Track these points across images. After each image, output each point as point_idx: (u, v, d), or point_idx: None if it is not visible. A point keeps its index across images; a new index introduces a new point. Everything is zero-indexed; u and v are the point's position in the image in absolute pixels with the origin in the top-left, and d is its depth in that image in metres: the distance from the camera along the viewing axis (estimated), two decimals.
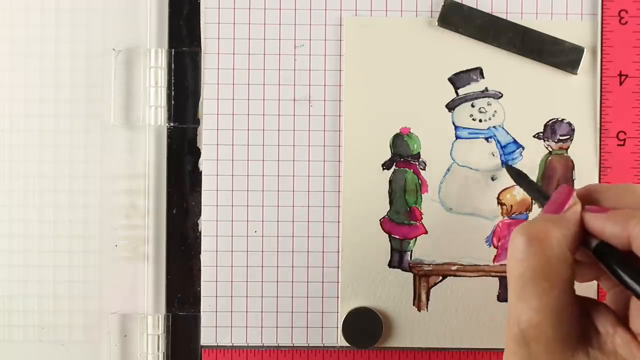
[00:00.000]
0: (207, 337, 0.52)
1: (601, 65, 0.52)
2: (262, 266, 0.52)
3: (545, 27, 0.52)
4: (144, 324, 0.52)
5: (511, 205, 0.52)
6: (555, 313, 0.36)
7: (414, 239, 0.52)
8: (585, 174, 0.52)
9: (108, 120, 0.52)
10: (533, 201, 0.52)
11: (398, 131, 0.52)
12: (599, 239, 0.37)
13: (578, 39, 0.52)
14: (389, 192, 0.52)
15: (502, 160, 0.52)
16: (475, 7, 0.52)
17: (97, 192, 0.52)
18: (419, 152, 0.52)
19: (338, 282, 0.52)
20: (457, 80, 0.52)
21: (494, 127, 0.52)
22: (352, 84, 0.52)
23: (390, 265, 0.52)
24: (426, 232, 0.52)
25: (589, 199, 0.39)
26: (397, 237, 0.52)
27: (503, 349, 0.52)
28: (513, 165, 0.52)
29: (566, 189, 0.40)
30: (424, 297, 0.52)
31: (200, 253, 0.52)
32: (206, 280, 0.52)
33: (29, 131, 0.52)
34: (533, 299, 0.36)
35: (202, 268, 0.52)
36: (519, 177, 0.48)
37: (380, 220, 0.52)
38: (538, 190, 0.46)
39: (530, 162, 0.52)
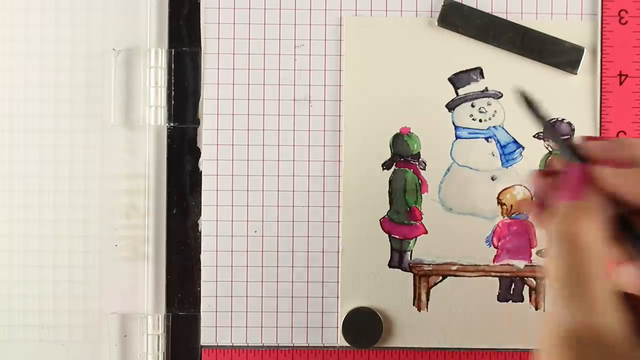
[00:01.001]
0: (207, 337, 0.52)
1: (601, 65, 0.52)
2: (262, 266, 0.52)
3: (545, 27, 0.52)
4: (144, 324, 0.52)
5: (511, 205, 0.52)
6: (602, 308, 0.33)
7: (414, 239, 0.52)
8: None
9: (108, 120, 0.52)
10: (533, 200, 0.52)
11: (398, 131, 0.52)
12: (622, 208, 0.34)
13: (578, 39, 0.52)
14: (389, 192, 0.52)
15: (502, 160, 0.52)
16: (475, 7, 0.52)
17: (97, 192, 0.52)
18: (419, 152, 0.52)
19: (338, 282, 0.52)
20: (457, 80, 0.52)
21: (494, 127, 0.52)
22: (352, 84, 0.52)
23: (390, 265, 0.52)
24: (426, 232, 0.52)
25: (627, 153, 0.36)
26: (397, 237, 0.52)
27: (503, 349, 0.52)
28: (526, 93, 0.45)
29: (578, 167, 0.36)
30: (424, 297, 0.52)
31: (200, 253, 0.52)
32: (206, 280, 0.52)
33: (29, 131, 0.52)
34: (577, 298, 0.34)
35: (202, 268, 0.52)
36: (529, 105, 0.41)
37: (380, 220, 0.52)
38: (542, 119, 0.40)
39: (530, 162, 0.52)
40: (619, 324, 0.33)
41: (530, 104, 0.42)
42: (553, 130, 0.43)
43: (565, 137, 0.41)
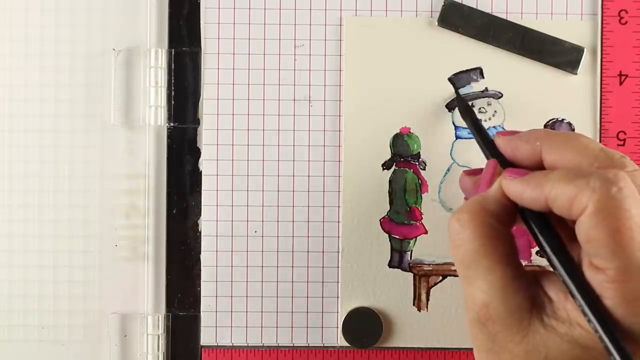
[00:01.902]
0: (207, 337, 0.52)
1: (601, 65, 0.52)
2: (262, 266, 0.52)
3: (545, 27, 0.52)
4: (144, 324, 0.52)
5: None
6: (502, 289, 0.37)
7: (414, 239, 0.52)
8: None
9: (108, 120, 0.52)
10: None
11: (398, 131, 0.52)
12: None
13: (578, 39, 0.52)
14: (389, 192, 0.52)
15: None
16: (475, 7, 0.52)
17: (97, 192, 0.52)
18: (419, 152, 0.52)
19: (338, 282, 0.52)
20: (457, 80, 0.52)
21: (494, 127, 0.52)
22: (352, 84, 0.52)
23: (390, 265, 0.52)
24: (426, 232, 0.52)
25: (531, 145, 0.39)
26: (397, 237, 0.52)
27: None
28: (465, 99, 0.51)
29: (491, 163, 0.41)
30: (424, 297, 0.52)
31: (200, 253, 0.52)
32: (206, 280, 0.52)
33: (29, 131, 0.52)
34: (479, 280, 0.37)
35: (202, 268, 0.52)
36: (467, 113, 0.48)
37: (380, 220, 0.52)
38: (481, 135, 0.45)
39: None
40: (508, 301, 0.37)
41: (461, 102, 0.49)
42: (473, 127, 0.46)
43: (483, 134, 0.44)
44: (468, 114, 0.47)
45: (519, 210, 0.38)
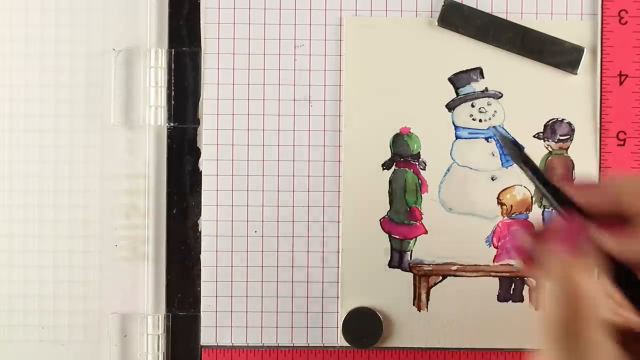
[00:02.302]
0: (207, 337, 0.52)
1: (601, 65, 0.52)
2: (262, 266, 0.52)
3: (545, 27, 0.52)
4: (144, 324, 0.52)
5: (511, 205, 0.52)
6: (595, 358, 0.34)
7: (414, 239, 0.52)
8: (586, 174, 0.52)
9: (108, 120, 0.52)
10: (533, 200, 0.52)
11: (398, 131, 0.52)
12: (622, 266, 0.34)
13: (578, 39, 0.52)
14: (389, 192, 0.52)
15: (502, 160, 0.52)
16: (475, 7, 0.52)
17: (97, 192, 0.52)
18: (419, 152, 0.52)
19: (338, 282, 0.52)
20: (457, 80, 0.52)
21: (494, 127, 0.52)
22: (352, 84, 0.52)
23: (390, 265, 0.52)
24: (426, 232, 0.52)
25: (608, 196, 0.36)
26: (397, 237, 0.52)
27: (503, 349, 0.52)
28: (517, 145, 0.41)
29: (576, 223, 0.36)
30: (424, 297, 0.52)
31: (200, 253, 0.52)
32: (206, 280, 0.52)
33: (29, 131, 0.52)
34: (571, 348, 0.34)
35: (202, 268, 0.52)
36: (524, 162, 0.41)
37: (380, 220, 0.52)
38: (547, 185, 0.38)
39: None
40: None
41: (516, 153, 0.39)
42: (535, 176, 0.38)
43: (546, 181, 0.39)
44: (527, 164, 0.38)
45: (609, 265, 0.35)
